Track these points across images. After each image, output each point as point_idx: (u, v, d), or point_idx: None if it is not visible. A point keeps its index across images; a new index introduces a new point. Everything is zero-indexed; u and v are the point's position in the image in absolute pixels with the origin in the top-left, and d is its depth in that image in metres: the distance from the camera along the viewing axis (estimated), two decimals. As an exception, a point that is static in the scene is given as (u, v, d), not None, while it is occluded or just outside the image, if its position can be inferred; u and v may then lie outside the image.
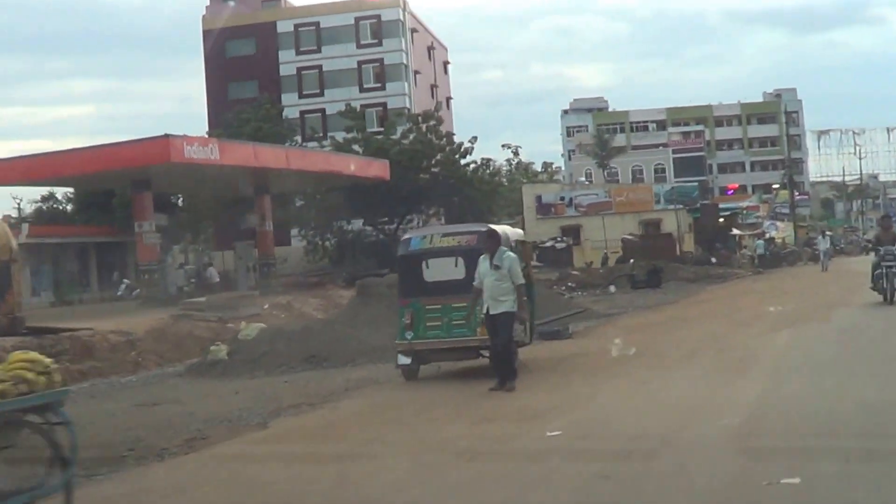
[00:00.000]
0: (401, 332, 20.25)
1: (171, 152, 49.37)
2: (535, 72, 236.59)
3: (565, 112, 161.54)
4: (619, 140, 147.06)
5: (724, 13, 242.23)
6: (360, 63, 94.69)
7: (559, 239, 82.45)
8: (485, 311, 18.00)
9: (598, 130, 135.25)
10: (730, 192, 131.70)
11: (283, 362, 25.51)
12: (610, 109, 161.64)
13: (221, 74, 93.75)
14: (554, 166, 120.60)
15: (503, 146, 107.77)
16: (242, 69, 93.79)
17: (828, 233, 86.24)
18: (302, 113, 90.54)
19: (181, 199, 75.90)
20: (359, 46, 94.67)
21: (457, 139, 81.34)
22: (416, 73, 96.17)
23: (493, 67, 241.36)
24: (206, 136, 71.26)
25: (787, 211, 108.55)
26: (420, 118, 77.67)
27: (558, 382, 18.76)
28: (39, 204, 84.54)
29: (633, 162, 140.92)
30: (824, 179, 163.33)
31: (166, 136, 50.36)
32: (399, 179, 72.20)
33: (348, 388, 20.15)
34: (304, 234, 78.82)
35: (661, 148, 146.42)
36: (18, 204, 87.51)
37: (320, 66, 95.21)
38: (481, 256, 18.29)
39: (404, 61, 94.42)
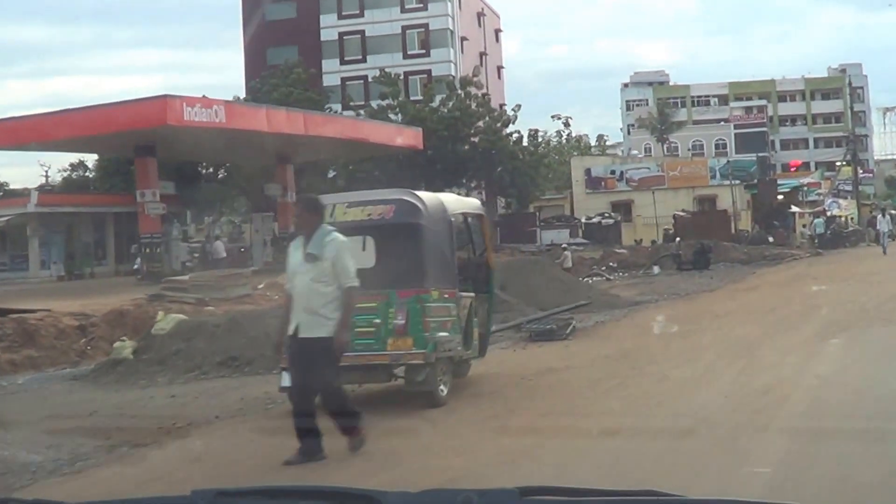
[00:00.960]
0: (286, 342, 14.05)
1: (168, 114, 44.01)
2: (601, 48, 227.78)
3: (625, 86, 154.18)
4: (680, 115, 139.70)
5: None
6: (404, 28, 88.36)
7: (606, 215, 76.05)
8: (290, 330, 11.05)
9: (659, 104, 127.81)
10: (792, 169, 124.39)
11: (196, 365, 19.77)
12: (671, 83, 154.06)
13: (260, 39, 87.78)
14: (607, 140, 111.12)
15: (552, 117, 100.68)
16: (282, 34, 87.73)
17: (891, 211, 79.23)
18: (343, 80, 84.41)
19: (221, 169, 70.71)
20: (403, 10, 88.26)
21: (508, 110, 75.03)
22: (463, 39, 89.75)
23: (559, 43, 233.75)
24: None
25: (850, 188, 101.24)
26: (457, 84, 71.41)
27: (486, 425, 12.44)
28: (68, 172, 79.52)
29: (693, 137, 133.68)
30: (889, 157, 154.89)
31: (164, 96, 45.14)
32: (437, 150, 66.46)
33: (221, 414, 14.54)
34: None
35: (722, 123, 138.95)
36: (46, 172, 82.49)
37: (363, 31, 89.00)
38: (292, 242, 11.59)
39: (450, 27, 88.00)
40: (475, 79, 72.44)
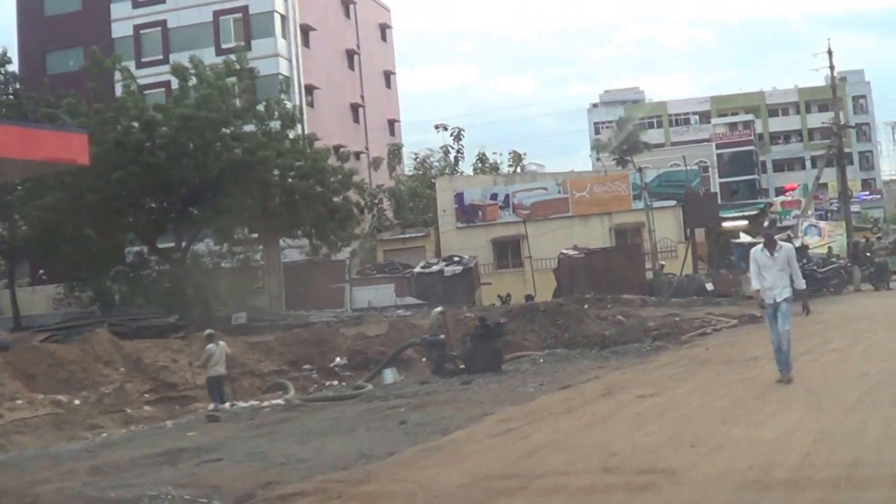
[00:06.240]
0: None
1: None
2: (619, 84, 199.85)
3: (594, 106, 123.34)
4: (657, 136, 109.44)
5: (809, 17, 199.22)
6: (216, 14, 58.71)
7: (455, 259, 45.73)
8: None
9: (620, 122, 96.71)
10: (787, 194, 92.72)
11: None
12: (647, 101, 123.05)
13: (38, 40, 58.87)
14: (526, 159, 75.59)
15: (436, 127, 68.95)
16: (65, 33, 58.67)
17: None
18: (141, 88, 54.52)
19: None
20: (214, -9, 58.66)
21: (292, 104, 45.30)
22: (307, 29, 59.80)
23: (577, 81, 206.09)
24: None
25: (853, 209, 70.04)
26: (190, 68, 42.29)
27: None
28: None
29: (670, 160, 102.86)
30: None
31: None
32: (173, 171, 38.11)
33: None
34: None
35: (704, 144, 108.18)
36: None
37: (164, 22, 59.48)
38: None
39: (278, 9, 58.07)
40: (234, 60, 43.05)
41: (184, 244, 42.69)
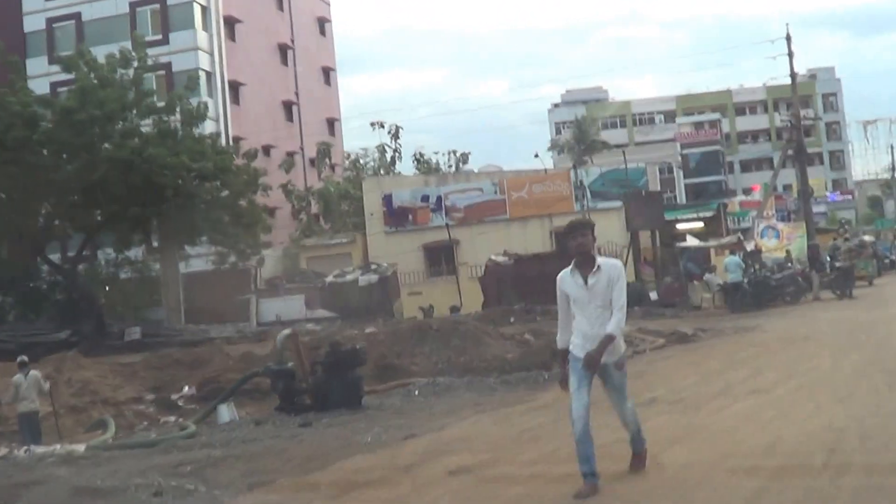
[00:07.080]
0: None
1: None
2: (592, 85, 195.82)
3: (555, 106, 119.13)
4: (620, 136, 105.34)
5: (786, 17, 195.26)
6: (132, 6, 54.63)
7: (373, 267, 41.62)
8: None
9: (579, 121, 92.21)
10: (751, 195, 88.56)
11: None
12: (610, 100, 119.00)
13: (-55, 36, 54.64)
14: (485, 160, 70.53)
15: (372, 124, 64.20)
16: (-27, 27, 54.48)
17: (863, 237, 46.49)
18: (54, 85, 50.48)
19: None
20: (130, -18, 54.50)
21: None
22: (232, 21, 55.64)
23: (550, 83, 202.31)
24: None
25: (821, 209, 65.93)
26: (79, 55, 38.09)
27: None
28: None
29: (634, 160, 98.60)
30: (872, 178, 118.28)
31: None
32: (56, 171, 34.08)
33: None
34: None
35: (669, 144, 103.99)
36: None
37: (78, 15, 55.37)
38: None
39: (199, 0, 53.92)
40: (129, 51, 38.78)
41: (75, 253, 38.53)
